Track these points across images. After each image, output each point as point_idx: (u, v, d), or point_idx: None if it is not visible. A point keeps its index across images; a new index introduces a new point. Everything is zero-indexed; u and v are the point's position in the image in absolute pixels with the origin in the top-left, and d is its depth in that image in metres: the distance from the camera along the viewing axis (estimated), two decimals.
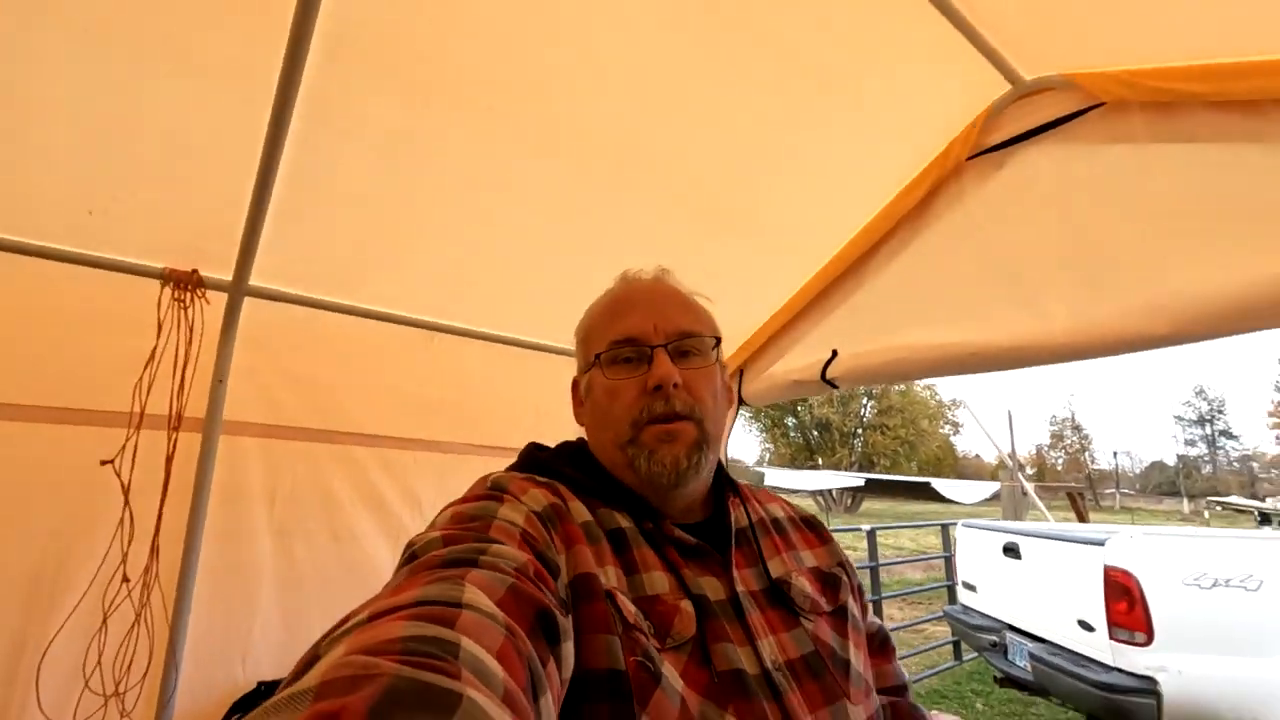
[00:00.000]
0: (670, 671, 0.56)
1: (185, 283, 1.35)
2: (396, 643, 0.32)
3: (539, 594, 0.48)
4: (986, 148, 1.44)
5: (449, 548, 0.50)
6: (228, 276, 1.41)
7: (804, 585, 0.72)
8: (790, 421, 40.70)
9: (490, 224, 1.52)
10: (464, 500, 0.63)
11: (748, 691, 0.58)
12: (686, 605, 0.62)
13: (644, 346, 0.73)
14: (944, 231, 1.56)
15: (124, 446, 1.30)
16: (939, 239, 1.57)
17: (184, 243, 1.35)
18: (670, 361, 0.71)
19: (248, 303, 1.47)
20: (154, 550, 1.32)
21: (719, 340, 0.79)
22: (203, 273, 1.37)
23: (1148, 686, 2.93)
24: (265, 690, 1.46)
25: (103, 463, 1.28)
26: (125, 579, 1.29)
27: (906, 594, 7.30)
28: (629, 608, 0.59)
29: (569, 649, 0.50)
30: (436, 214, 1.47)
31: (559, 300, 1.80)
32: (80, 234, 1.25)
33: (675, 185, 1.49)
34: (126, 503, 1.30)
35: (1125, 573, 3.10)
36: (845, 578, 0.79)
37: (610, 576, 0.61)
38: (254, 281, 1.44)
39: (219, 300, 1.43)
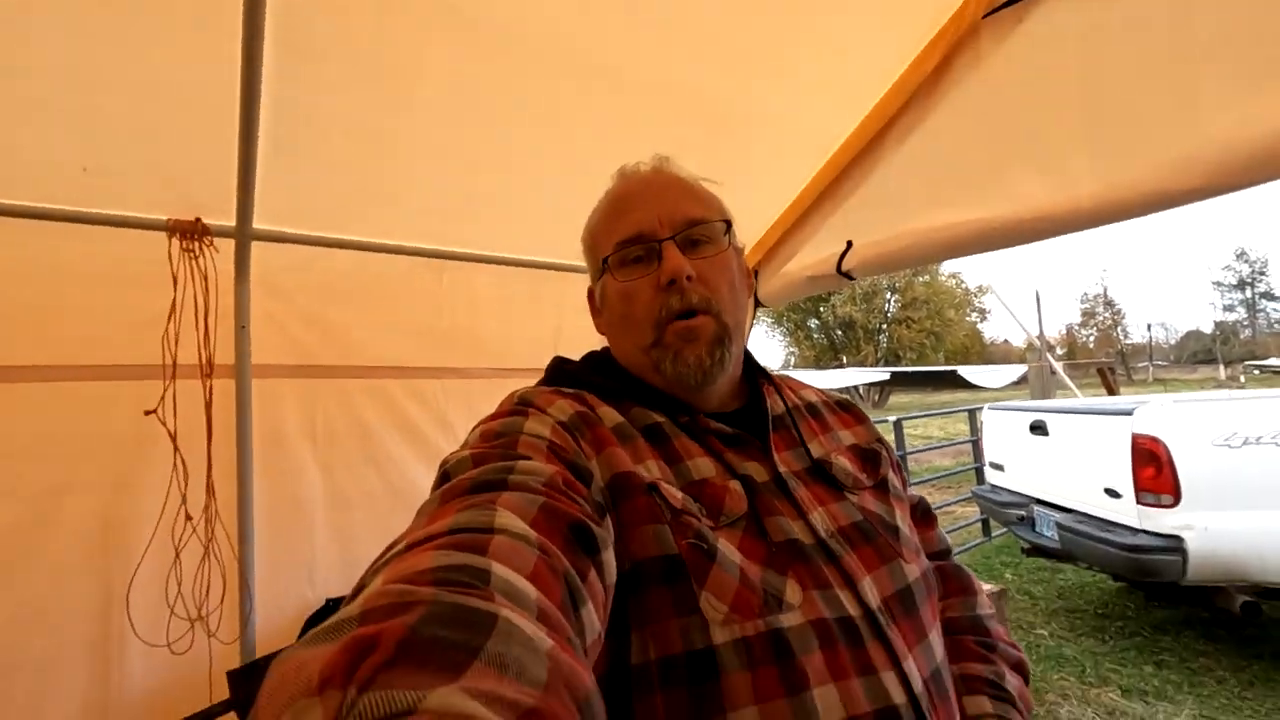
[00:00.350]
0: (726, 546, 0.58)
1: (191, 232, 1.35)
2: (429, 573, 0.33)
3: (571, 507, 0.49)
4: (1005, 1, 1.33)
5: (478, 468, 0.51)
6: (231, 222, 1.40)
7: (844, 464, 0.73)
8: (813, 323, 40.48)
9: (484, 143, 1.47)
10: (492, 417, 0.63)
11: (805, 557, 0.59)
12: (735, 485, 0.63)
13: (651, 242, 0.70)
14: (960, 102, 1.46)
15: (163, 397, 1.35)
16: (955, 111, 1.48)
17: (183, 193, 1.34)
18: (680, 253, 0.69)
19: (256, 247, 1.47)
20: (209, 490, 1.41)
21: (730, 224, 0.75)
22: (207, 220, 1.37)
23: (1174, 545, 3.02)
24: (333, 606, 1.59)
25: (146, 413, 1.34)
26: (188, 517, 1.38)
27: (934, 479, 7.48)
28: (675, 495, 0.60)
29: (609, 557, 0.51)
30: (427, 137, 1.42)
31: (564, 217, 1.77)
32: (81, 193, 1.25)
33: (672, 85, 1.41)
34: (176, 448, 1.37)
35: (1154, 439, 3.11)
36: (884, 453, 0.79)
37: (652, 470, 0.62)
38: (258, 225, 1.43)
39: (227, 247, 1.43)
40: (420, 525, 0.43)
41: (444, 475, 0.53)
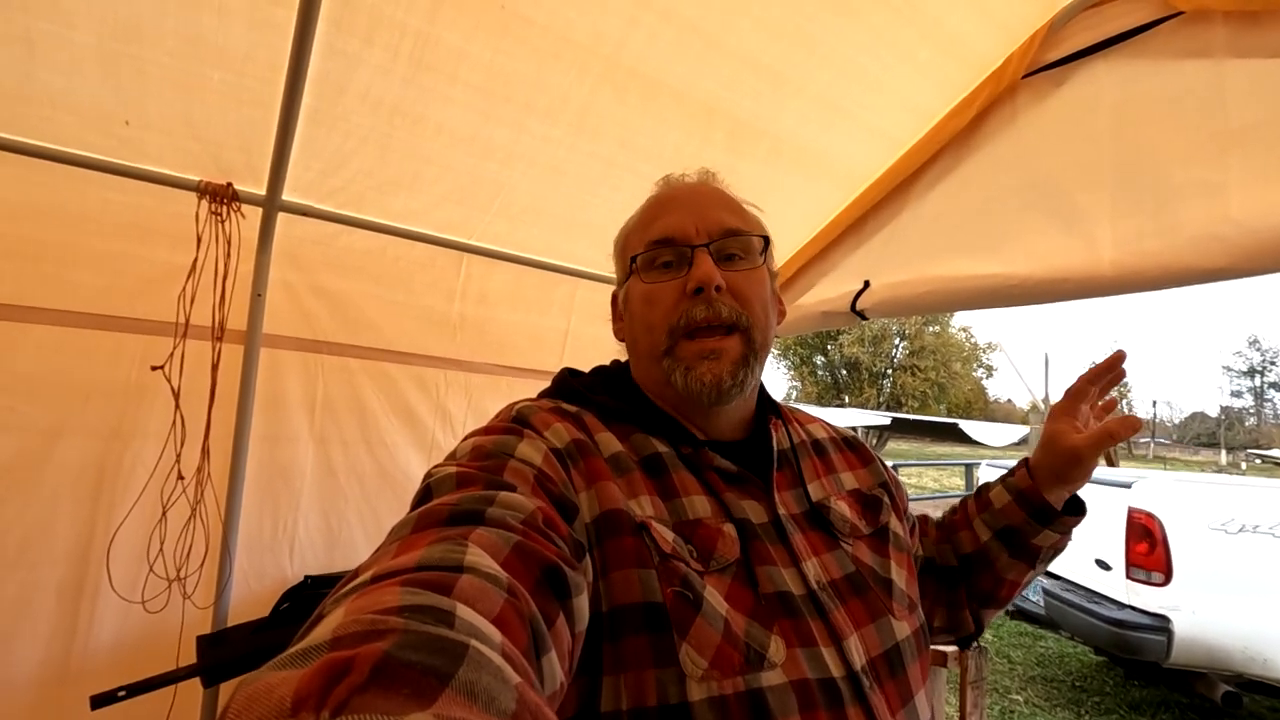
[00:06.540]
0: (713, 595, 0.56)
1: (221, 196, 1.37)
2: (394, 611, 0.33)
3: (547, 548, 0.47)
4: (1046, 64, 1.35)
5: (460, 492, 0.50)
6: (261, 191, 1.42)
7: (843, 510, 0.71)
8: (819, 360, 40.42)
9: (515, 140, 1.48)
10: (486, 430, 0.61)
11: (793, 611, 0.58)
12: (729, 529, 0.61)
13: (684, 247, 0.68)
14: (991, 156, 1.48)
15: (171, 354, 1.36)
16: (985, 164, 1.49)
17: (218, 156, 1.36)
18: (713, 262, 0.67)
19: (281, 218, 1.49)
20: (205, 452, 1.41)
21: (769, 241, 0.73)
22: (237, 186, 1.39)
23: (1160, 624, 2.98)
24: (312, 584, 1.58)
25: (153, 368, 1.35)
26: (180, 476, 1.38)
27: None
28: (666, 536, 0.58)
29: (581, 603, 0.49)
30: (461, 129, 1.43)
31: (585, 222, 1.79)
32: (116, 145, 1.27)
33: (708, 104, 1.43)
34: (177, 406, 1.37)
35: (1149, 515, 3.09)
36: (887, 499, 0.77)
37: (645, 506, 0.60)
38: (287, 196, 1.45)
39: (254, 214, 1.45)
40: (390, 554, 0.42)
41: (426, 490, 0.52)
